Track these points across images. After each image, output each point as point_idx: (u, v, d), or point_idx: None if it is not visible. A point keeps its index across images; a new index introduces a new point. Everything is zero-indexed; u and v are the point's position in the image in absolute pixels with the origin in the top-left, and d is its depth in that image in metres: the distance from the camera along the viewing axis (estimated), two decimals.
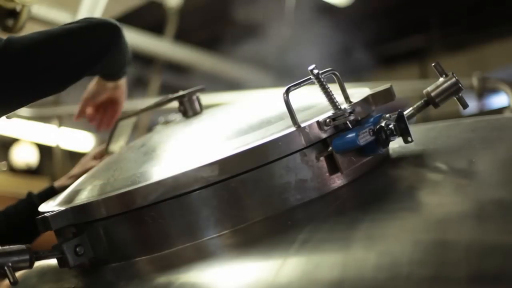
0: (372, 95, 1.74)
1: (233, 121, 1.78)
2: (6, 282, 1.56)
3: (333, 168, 1.58)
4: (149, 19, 7.55)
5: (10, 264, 1.52)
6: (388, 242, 1.28)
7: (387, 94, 1.73)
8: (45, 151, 10.38)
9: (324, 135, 1.57)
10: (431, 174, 1.61)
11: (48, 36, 1.85)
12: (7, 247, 1.53)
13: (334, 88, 1.60)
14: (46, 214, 1.63)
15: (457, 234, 1.25)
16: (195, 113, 2.13)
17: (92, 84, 2.38)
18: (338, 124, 1.57)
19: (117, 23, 2.02)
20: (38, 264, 1.61)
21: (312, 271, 1.28)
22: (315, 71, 1.57)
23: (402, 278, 1.17)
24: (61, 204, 1.79)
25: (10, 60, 1.79)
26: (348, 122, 1.58)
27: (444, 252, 1.20)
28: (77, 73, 1.94)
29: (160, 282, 1.48)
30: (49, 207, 1.83)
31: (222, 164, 1.52)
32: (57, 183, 2.43)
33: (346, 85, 1.67)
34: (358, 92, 1.80)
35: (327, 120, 1.56)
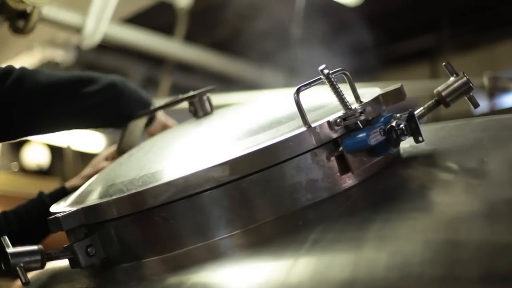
0: (382, 95, 1.74)
1: (244, 121, 1.78)
2: (18, 282, 1.57)
3: (344, 168, 1.58)
4: (159, 20, 7.55)
5: (22, 265, 1.53)
6: (399, 242, 1.28)
7: (398, 94, 1.73)
8: (56, 152, 10.40)
9: (334, 135, 1.57)
10: (442, 173, 1.61)
11: None
12: (19, 247, 1.54)
13: (345, 88, 1.60)
14: (57, 215, 1.63)
15: (468, 234, 1.24)
16: (206, 114, 2.14)
17: None
18: (348, 124, 1.57)
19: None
20: (49, 264, 1.62)
21: (323, 271, 1.28)
22: (326, 71, 1.57)
23: (413, 278, 1.17)
24: (72, 204, 1.80)
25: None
26: (358, 122, 1.58)
27: (455, 252, 1.20)
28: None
29: (171, 282, 1.48)
30: (60, 207, 1.83)
31: (233, 164, 1.52)
32: (69, 184, 2.44)
33: (357, 85, 1.67)
34: (369, 92, 1.80)
35: (338, 120, 1.56)
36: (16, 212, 2.35)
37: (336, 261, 1.29)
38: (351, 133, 1.57)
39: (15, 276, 1.53)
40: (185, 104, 2.20)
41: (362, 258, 1.27)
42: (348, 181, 1.59)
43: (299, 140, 1.54)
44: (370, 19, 7.35)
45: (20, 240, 1.63)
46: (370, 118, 1.62)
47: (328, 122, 1.56)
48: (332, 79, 1.58)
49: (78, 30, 6.01)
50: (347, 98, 1.59)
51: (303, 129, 1.55)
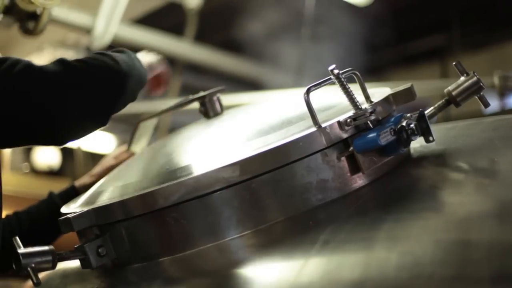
0: (393, 94, 1.73)
1: (254, 121, 1.78)
2: (30, 283, 1.57)
3: (355, 168, 1.58)
4: (169, 21, 7.55)
5: (33, 265, 1.53)
6: (410, 242, 1.28)
7: (408, 94, 1.73)
8: (66, 152, 10.41)
9: (345, 135, 1.57)
10: (453, 173, 1.61)
11: None
12: (30, 248, 1.54)
13: (355, 88, 1.60)
14: (68, 215, 1.64)
15: (479, 233, 1.24)
16: (216, 114, 2.14)
17: None
18: (359, 124, 1.57)
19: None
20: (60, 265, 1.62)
21: (334, 272, 1.28)
22: (336, 71, 1.57)
23: (424, 278, 1.17)
24: (83, 205, 1.80)
25: None
26: (369, 122, 1.58)
27: (466, 252, 1.19)
28: None
29: (183, 282, 1.48)
30: (71, 208, 1.84)
31: (243, 164, 1.52)
32: (78, 182, 2.44)
33: (367, 85, 1.66)
34: (379, 91, 1.79)
35: (348, 120, 1.56)
36: (28, 212, 2.35)
37: (347, 261, 1.29)
38: (361, 133, 1.57)
39: (26, 276, 1.53)
40: (195, 105, 2.20)
41: (373, 258, 1.27)
42: (359, 181, 1.59)
43: (309, 140, 1.54)
44: (380, 19, 7.34)
45: (33, 241, 1.64)
46: (380, 118, 1.62)
47: (338, 122, 1.56)
48: (342, 79, 1.58)
49: (88, 31, 6.02)
50: (357, 98, 1.59)
51: (313, 129, 1.55)
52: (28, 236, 1.94)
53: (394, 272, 1.21)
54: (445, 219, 1.36)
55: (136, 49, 2.10)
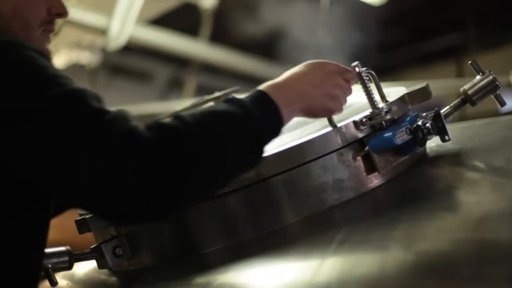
0: (408, 94, 1.73)
1: None
2: (47, 283, 1.58)
3: (370, 167, 1.58)
4: (184, 21, 7.57)
5: (50, 266, 1.54)
6: (427, 242, 1.27)
7: (424, 93, 1.73)
8: None
9: (360, 135, 1.57)
10: (469, 173, 1.61)
11: None
12: (47, 249, 1.54)
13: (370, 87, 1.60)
14: (85, 216, 1.64)
15: (496, 233, 1.24)
16: None
17: None
18: (374, 123, 1.57)
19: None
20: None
21: (350, 271, 1.27)
22: (357, 69, 1.57)
23: (440, 278, 1.17)
24: None
25: None
26: (384, 122, 1.57)
27: (483, 252, 1.19)
28: None
29: (198, 282, 1.48)
30: None
31: (259, 165, 1.52)
32: None
33: (382, 84, 1.66)
34: (394, 91, 1.79)
35: (364, 120, 1.56)
36: None
37: (363, 261, 1.29)
38: (377, 132, 1.57)
39: (43, 277, 1.54)
40: (210, 105, 2.20)
41: (389, 258, 1.27)
42: (375, 180, 1.59)
43: (325, 140, 1.54)
44: (395, 18, 7.33)
45: None
46: (395, 117, 1.62)
47: (354, 121, 1.56)
48: (364, 77, 1.58)
49: (103, 32, 6.05)
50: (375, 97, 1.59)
51: (329, 128, 1.55)
52: None
53: (410, 272, 1.21)
54: (461, 219, 1.36)
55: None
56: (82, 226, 1.64)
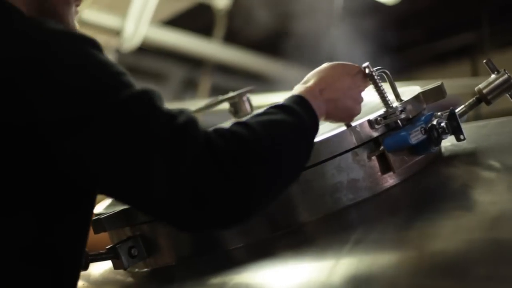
0: (423, 93, 1.73)
1: None
2: None
3: (385, 167, 1.58)
4: (198, 21, 7.57)
5: None
6: (442, 242, 1.27)
7: (438, 92, 1.72)
8: None
9: (375, 134, 1.56)
10: (484, 172, 1.60)
11: None
12: None
13: (384, 87, 1.60)
14: (100, 216, 1.64)
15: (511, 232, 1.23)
16: (246, 114, 2.14)
17: None
18: (389, 122, 1.57)
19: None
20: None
21: (365, 271, 1.27)
22: (368, 70, 1.57)
23: (457, 277, 1.17)
24: (114, 205, 1.81)
25: None
26: (399, 121, 1.57)
27: (499, 251, 1.19)
28: None
29: (214, 282, 1.48)
30: (102, 208, 1.85)
31: None
32: None
33: (397, 84, 1.66)
34: (409, 90, 1.79)
35: (378, 119, 1.55)
36: None
37: (379, 261, 1.29)
38: (392, 132, 1.57)
39: None
40: (225, 105, 2.21)
41: (405, 258, 1.27)
42: (389, 180, 1.58)
43: (339, 139, 1.54)
44: (410, 17, 7.31)
45: None
46: (410, 116, 1.62)
47: (369, 121, 1.56)
48: (375, 77, 1.57)
49: (117, 33, 6.06)
50: (388, 97, 1.58)
51: (344, 128, 1.55)
52: None
53: (426, 272, 1.21)
54: (477, 218, 1.35)
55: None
56: (97, 226, 1.65)
